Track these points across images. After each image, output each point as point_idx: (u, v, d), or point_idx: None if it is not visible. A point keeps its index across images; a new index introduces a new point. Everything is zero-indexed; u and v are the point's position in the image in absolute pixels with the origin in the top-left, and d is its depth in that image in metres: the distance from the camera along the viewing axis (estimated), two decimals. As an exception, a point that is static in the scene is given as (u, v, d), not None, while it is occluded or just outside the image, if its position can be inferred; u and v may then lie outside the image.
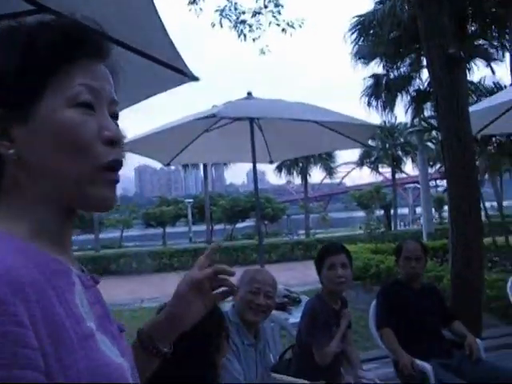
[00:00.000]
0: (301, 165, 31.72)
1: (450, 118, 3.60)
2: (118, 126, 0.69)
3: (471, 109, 4.24)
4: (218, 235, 32.49)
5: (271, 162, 4.62)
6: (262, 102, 3.83)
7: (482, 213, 9.73)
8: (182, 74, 2.62)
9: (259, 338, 2.23)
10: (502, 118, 4.99)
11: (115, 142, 0.66)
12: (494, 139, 11.97)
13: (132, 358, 0.70)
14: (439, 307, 3.09)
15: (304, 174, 32.59)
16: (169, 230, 34.64)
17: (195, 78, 2.59)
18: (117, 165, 0.66)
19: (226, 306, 2.47)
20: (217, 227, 33.86)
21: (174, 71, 2.63)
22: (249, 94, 4.07)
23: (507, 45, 11.05)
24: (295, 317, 3.23)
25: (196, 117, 3.65)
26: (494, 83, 11.93)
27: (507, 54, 10.77)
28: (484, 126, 5.12)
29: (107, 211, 0.69)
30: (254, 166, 4.10)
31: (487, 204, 10.14)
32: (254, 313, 2.15)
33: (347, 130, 3.75)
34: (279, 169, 32.70)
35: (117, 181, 0.67)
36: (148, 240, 34.06)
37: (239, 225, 32.73)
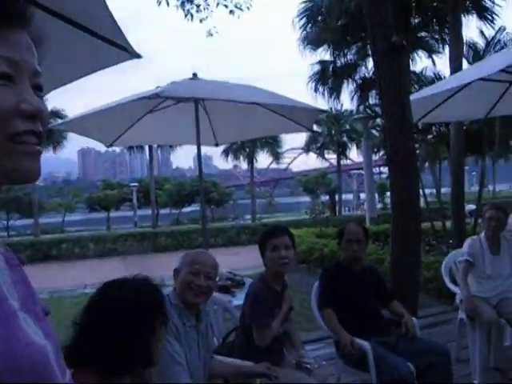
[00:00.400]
0: (247, 149, 31.80)
1: (392, 105, 3.69)
2: (41, 98, 0.65)
3: (412, 97, 4.37)
4: (164, 220, 32.16)
5: (217, 145, 4.58)
6: (206, 83, 3.76)
7: (422, 199, 10.14)
8: (123, 50, 2.53)
9: (201, 319, 2.21)
10: (441, 107, 5.17)
11: (35, 115, 0.61)
12: (433, 128, 12.43)
13: (57, 342, 0.67)
14: (378, 288, 3.18)
15: (250, 159, 32.70)
16: (113, 214, 33.95)
17: (137, 56, 2.51)
18: (33, 135, 0.62)
19: (168, 288, 2.43)
20: (162, 211, 33.50)
21: (115, 47, 2.54)
22: (194, 75, 3.99)
23: (447, 38, 11.44)
24: (239, 299, 3.23)
25: (139, 96, 3.55)
26: (434, 74, 12.34)
27: (447, 47, 11.15)
28: (424, 114, 5.29)
29: (31, 182, 0.66)
30: (199, 149, 4.04)
31: (426, 191, 10.55)
32: (195, 294, 2.13)
33: (292, 114, 3.76)
34: (226, 153, 32.64)
35: (38, 152, 0.63)
36: (91, 224, 33.26)
37: (185, 209, 32.50)
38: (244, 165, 36.11)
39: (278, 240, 2.60)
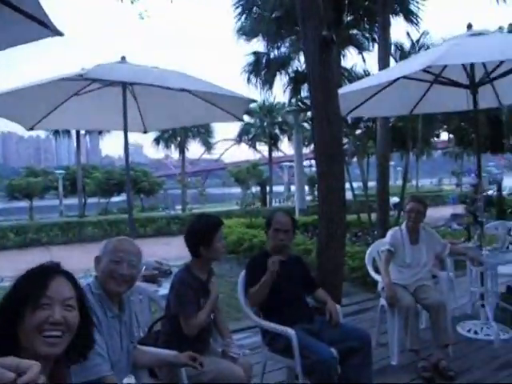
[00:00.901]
0: (179, 138, 31.35)
1: (321, 97, 3.76)
2: None
3: (341, 91, 4.48)
4: (92, 209, 31.04)
5: (145, 132, 4.46)
6: (135, 68, 3.63)
7: (349, 192, 10.48)
8: (44, 26, 2.40)
9: (123, 309, 2.15)
10: (369, 102, 5.34)
11: None
12: (362, 124, 12.85)
13: None
14: (304, 277, 3.25)
15: (182, 148, 32.29)
16: (37, 203, 32.30)
17: (59, 33, 2.38)
18: None
19: (89, 278, 2.35)
20: (90, 201, 32.30)
21: (37, 23, 2.40)
22: (122, 58, 3.86)
23: (376, 37, 11.83)
24: (165, 288, 3.17)
25: (61, 77, 3.37)
26: (364, 71, 12.73)
27: (376, 46, 11.53)
28: (352, 109, 5.45)
29: None
30: (126, 134, 3.91)
31: (354, 184, 10.92)
32: (117, 283, 2.06)
33: (222, 103, 3.73)
34: (157, 142, 32.01)
35: None
36: (12, 214, 31.46)
37: (114, 198, 31.51)
38: (176, 154, 35.65)
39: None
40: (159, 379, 2.53)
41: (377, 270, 4.28)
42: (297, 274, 3.19)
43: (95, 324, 1.92)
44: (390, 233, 4.14)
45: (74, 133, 29.70)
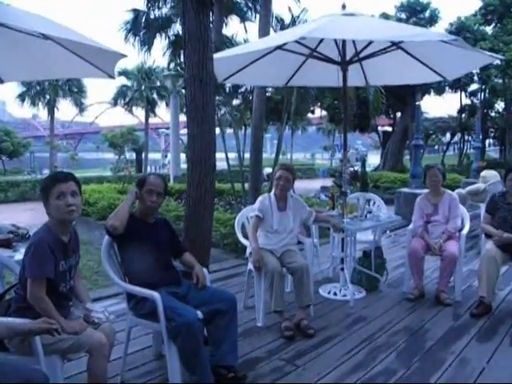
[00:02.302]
0: (48, 97, 28.94)
1: (195, 58, 3.66)
2: None
3: (216, 55, 4.41)
4: None
5: (1, 82, 3.99)
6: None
7: (225, 162, 10.58)
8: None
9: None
10: (246, 71, 5.34)
11: None
12: (240, 95, 12.93)
13: None
14: (171, 240, 3.20)
15: (51, 108, 29.88)
16: None
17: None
18: None
19: None
20: None
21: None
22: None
23: (258, 8, 11.89)
24: (22, 254, 2.92)
25: None
26: (244, 40, 12.76)
27: (258, 16, 11.59)
28: (229, 76, 5.43)
29: None
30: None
31: (231, 155, 11.05)
32: None
33: (90, 56, 3.45)
34: (22, 98, 29.17)
35: None
36: None
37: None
38: (45, 114, 32.94)
39: (63, 186, 2.39)
40: (10, 352, 2.34)
41: (246, 236, 4.38)
42: (164, 237, 3.13)
43: None
44: (259, 199, 4.24)
45: None
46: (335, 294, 4.78)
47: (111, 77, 3.78)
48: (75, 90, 29.82)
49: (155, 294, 2.73)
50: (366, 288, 4.92)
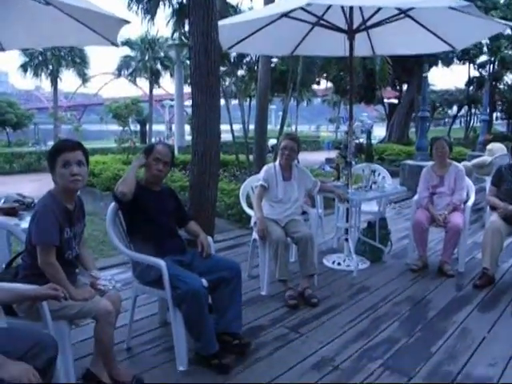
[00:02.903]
0: (51, 67, 28.65)
1: (200, 25, 3.58)
2: None
3: (221, 22, 4.32)
4: None
5: (3, 50, 3.93)
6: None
7: (229, 134, 10.53)
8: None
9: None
10: (252, 39, 5.26)
11: None
12: (245, 65, 12.79)
13: None
14: (176, 209, 3.20)
15: (54, 78, 29.60)
16: None
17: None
18: None
19: None
20: None
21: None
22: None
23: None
24: (28, 222, 2.93)
25: None
26: (249, 8, 12.55)
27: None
28: (234, 44, 5.35)
29: None
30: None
31: (236, 126, 10.96)
32: None
33: (92, 22, 3.38)
34: (24, 69, 28.87)
35: None
36: None
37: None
38: (47, 85, 32.68)
39: (70, 155, 2.38)
40: (19, 317, 2.37)
41: (250, 206, 4.38)
42: (169, 206, 3.13)
43: None
44: (264, 168, 4.23)
45: None
46: (339, 264, 4.81)
47: (114, 44, 3.72)
48: (78, 61, 29.48)
49: (161, 262, 2.75)
50: (369, 259, 4.94)
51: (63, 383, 2.27)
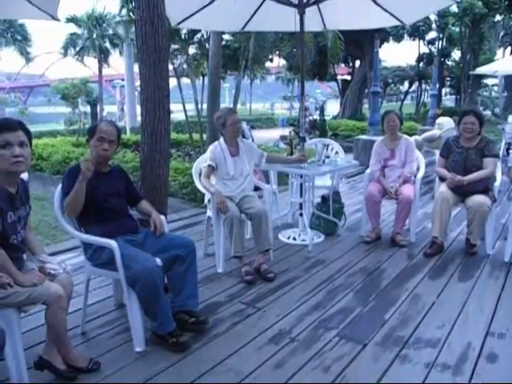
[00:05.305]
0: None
1: (145, 0, 3.45)
2: None
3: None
4: None
5: None
6: None
7: (183, 114, 10.37)
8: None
9: None
10: (201, 14, 5.17)
11: None
12: (196, 39, 12.51)
13: None
14: (127, 188, 3.12)
15: (-6, 56, 28.15)
16: None
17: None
18: None
19: None
20: None
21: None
22: None
23: None
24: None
25: None
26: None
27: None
28: (183, 19, 5.23)
29: None
30: None
31: (189, 106, 10.79)
32: None
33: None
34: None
35: None
36: None
37: None
38: (-10, 67, 31.07)
39: (11, 135, 2.25)
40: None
41: (204, 184, 4.33)
42: (119, 186, 3.05)
43: None
44: (209, 149, 4.17)
45: None
46: (294, 238, 4.86)
47: (55, 19, 3.54)
48: (19, 38, 28.06)
49: (112, 242, 2.68)
50: (324, 232, 5.01)
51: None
